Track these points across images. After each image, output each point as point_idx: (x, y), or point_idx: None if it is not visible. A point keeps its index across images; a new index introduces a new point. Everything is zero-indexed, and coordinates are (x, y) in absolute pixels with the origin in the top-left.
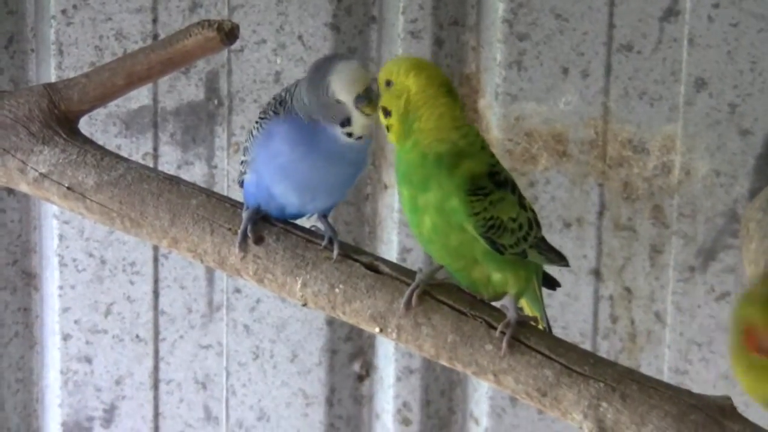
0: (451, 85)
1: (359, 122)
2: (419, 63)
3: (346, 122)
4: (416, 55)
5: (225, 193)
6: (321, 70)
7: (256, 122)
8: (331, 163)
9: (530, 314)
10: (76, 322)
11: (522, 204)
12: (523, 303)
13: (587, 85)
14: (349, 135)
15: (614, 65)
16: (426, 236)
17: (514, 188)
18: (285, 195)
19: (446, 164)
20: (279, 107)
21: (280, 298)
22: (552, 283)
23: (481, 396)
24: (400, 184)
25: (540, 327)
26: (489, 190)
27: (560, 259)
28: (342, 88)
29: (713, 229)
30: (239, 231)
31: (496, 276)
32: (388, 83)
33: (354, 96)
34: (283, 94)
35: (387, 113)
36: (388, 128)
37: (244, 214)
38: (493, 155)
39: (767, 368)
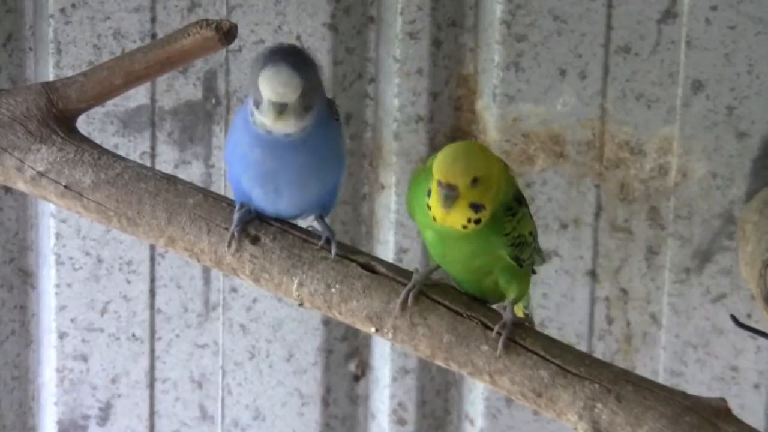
0: None
1: (265, 115)
2: (482, 147)
3: (257, 106)
4: (414, 57)
5: (222, 193)
6: (265, 56)
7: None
8: (277, 151)
9: (517, 308)
10: (72, 320)
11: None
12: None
13: (585, 87)
14: (253, 117)
15: (612, 67)
16: (449, 260)
17: (526, 201)
18: (252, 190)
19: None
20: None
21: (277, 298)
22: None
23: (477, 397)
24: (426, 223)
25: (530, 323)
26: (515, 210)
27: (543, 258)
28: (263, 85)
29: (709, 231)
30: (229, 231)
31: (504, 284)
32: (476, 181)
33: (268, 99)
34: None
35: (479, 208)
36: (478, 220)
37: (235, 215)
38: (513, 177)
39: None
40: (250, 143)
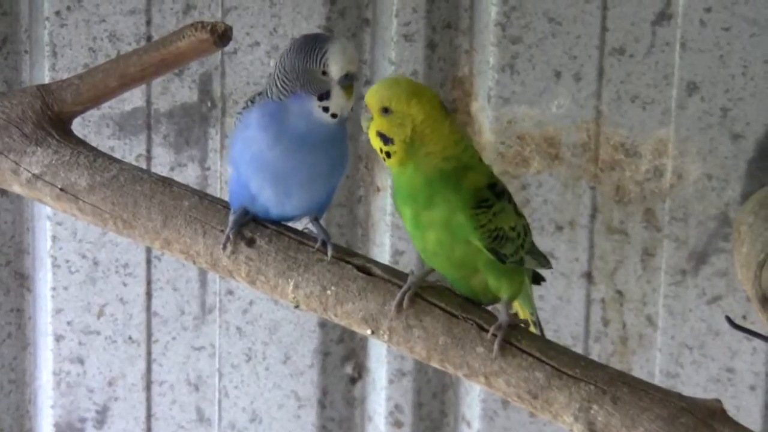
0: (443, 103)
1: (337, 100)
2: (417, 89)
3: (324, 96)
4: (409, 60)
5: (218, 195)
6: (318, 40)
7: (236, 115)
8: (302, 147)
9: (521, 313)
10: (68, 323)
11: (517, 212)
12: (515, 303)
13: (580, 89)
14: (325, 110)
15: (607, 69)
16: (430, 251)
17: (510, 197)
18: (261, 190)
19: (451, 180)
20: (257, 97)
21: (273, 300)
22: (536, 278)
23: (473, 399)
24: (400, 203)
25: (531, 326)
26: (491, 202)
27: (546, 261)
28: (336, 61)
29: (705, 232)
30: (225, 233)
31: (493, 283)
32: (386, 110)
33: (343, 74)
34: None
35: (387, 140)
36: (388, 154)
37: (231, 217)
38: (487, 165)
39: None
40: (270, 141)
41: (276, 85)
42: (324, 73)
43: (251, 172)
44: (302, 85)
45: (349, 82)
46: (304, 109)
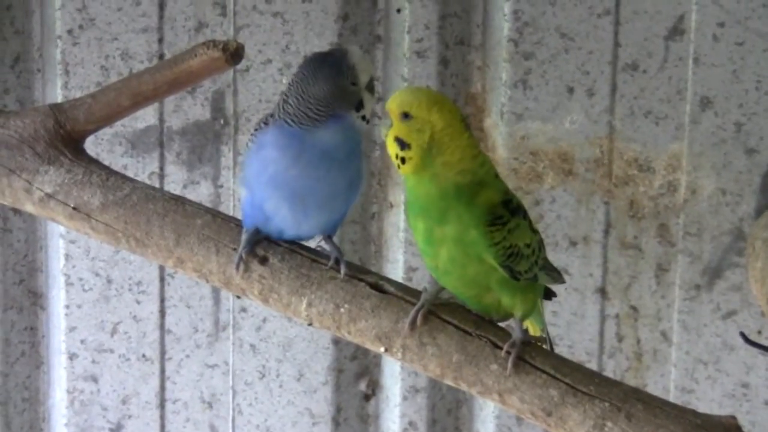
0: (464, 116)
1: (367, 105)
2: (439, 98)
3: (359, 106)
4: (422, 76)
5: (231, 213)
6: (334, 57)
7: (249, 137)
8: (320, 168)
9: (532, 328)
10: (82, 341)
11: (532, 228)
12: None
13: (593, 104)
14: (363, 118)
15: (620, 84)
16: (441, 268)
17: (525, 213)
18: (277, 210)
19: (466, 195)
20: (270, 119)
21: (286, 318)
22: (547, 294)
23: (488, 415)
24: (414, 217)
25: (542, 342)
26: (506, 219)
27: (559, 276)
28: (362, 69)
29: (719, 247)
30: (237, 252)
31: (506, 300)
32: (406, 116)
33: (368, 78)
34: (273, 108)
35: (404, 145)
36: (403, 160)
37: (243, 236)
38: (503, 182)
39: None
40: (290, 163)
41: (305, 114)
42: (353, 83)
43: (267, 193)
44: (339, 104)
45: (372, 84)
46: (346, 125)
